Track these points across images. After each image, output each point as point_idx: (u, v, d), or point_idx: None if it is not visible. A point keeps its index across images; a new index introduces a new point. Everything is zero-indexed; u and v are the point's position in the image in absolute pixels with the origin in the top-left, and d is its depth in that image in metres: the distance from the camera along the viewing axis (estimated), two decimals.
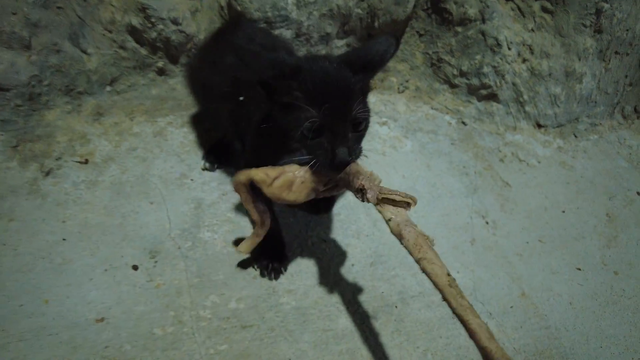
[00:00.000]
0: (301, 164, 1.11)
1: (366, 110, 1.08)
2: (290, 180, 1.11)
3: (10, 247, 1.44)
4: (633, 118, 2.26)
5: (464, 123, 2.03)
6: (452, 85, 2.08)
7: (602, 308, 1.47)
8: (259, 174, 1.14)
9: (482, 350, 0.96)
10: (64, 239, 1.47)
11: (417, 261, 1.02)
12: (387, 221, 1.07)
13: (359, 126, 1.06)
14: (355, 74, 1.06)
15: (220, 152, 1.71)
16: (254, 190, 1.22)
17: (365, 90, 1.10)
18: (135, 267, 1.41)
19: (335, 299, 1.37)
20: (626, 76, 2.12)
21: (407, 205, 1.09)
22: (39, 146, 1.75)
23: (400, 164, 1.81)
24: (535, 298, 1.45)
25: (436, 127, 2.00)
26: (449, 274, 1.01)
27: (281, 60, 1.06)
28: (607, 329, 1.41)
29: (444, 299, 1.00)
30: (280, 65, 1.04)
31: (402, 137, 1.93)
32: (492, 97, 2.03)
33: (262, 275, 1.40)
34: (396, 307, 1.38)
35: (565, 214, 1.75)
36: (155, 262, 1.42)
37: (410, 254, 1.03)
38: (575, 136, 2.10)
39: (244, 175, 1.18)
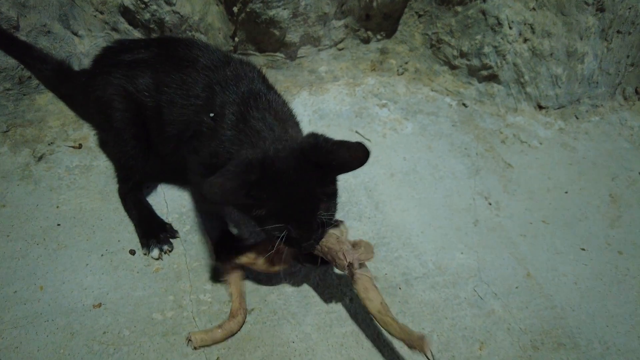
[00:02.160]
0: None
1: (331, 212, 1.11)
2: (269, 257, 1.24)
3: (3, 233, 1.40)
4: (634, 99, 2.23)
5: (464, 105, 2.00)
6: (452, 67, 2.04)
7: (607, 288, 1.45)
8: (242, 259, 1.27)
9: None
10: (58, 225, 1.43)
11: (362, 301, 1.14)
12: (356, 291, 1.15)
13: (324, 226, 1.13)
14: (317, 168, 1.04)
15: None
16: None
17: (329, 191, 1.10)
18: (132, 252, 1.38)
19: (337, 282, 1.34)
20: (628, 56, 2.09)
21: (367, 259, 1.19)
22: (30, 131, 1.71)
23: (401, 146, 1.78)
24: (540, 278, 1.43)
25: (437, 109, 1.97)
26: (382, 303, 1.12)
27: (246, 165, 1.03)
28: (612, 308, 1.40)
29: (376, 320, 1.13)
30: (247, 173, 1.02)
31: (403, 119, 1.89)
32: (493, 78, 1.99)
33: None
34: (400, 288, 1.35)
35: (568, 194, 1.73)
36: (154, 245, 1.39)
37: (359, 297, 1.14)
38: (577, 118, 2.08)
39: (232, 262, 1.29)
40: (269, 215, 1.05)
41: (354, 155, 1.01)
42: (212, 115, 1.22)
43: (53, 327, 1.20)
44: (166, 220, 1.46)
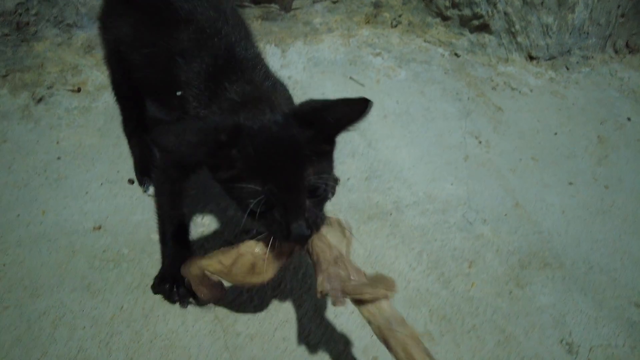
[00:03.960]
0: (257, 239, 0.95)
1: (324, 174, 0.88)
2: (250, 262, 0.92)
3: (4, 165, 1.43)
4: (625, 53, 2.27)
5: (456, 55, 2.04)
6: (445, 18, 2.07)
7: (592, 217, 1.50)
8: (212, 264, 0.95)
9: None
10: (58, 158, 1.46)
11: None
12: (368, 323, 0.87)
13: (316, 191, 0.87)
14: (307, 128, 0.86)
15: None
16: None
17: (324, 151, 0.89)
18: (131, 181, 1.41)
19: (329, 208, 1.38)
20: (618, 6, 2.12)
21: (385, 296, 0.86)
22: (29, 76, 1.74)
23: (394, 91, 1.82)
24: (529, 207, 1.48)
25: (429, 58, 2.00)
26: None
27: (214, 128, 0.86)
28: (597, 234, 1.44)
29: None
30: (214, 135, 0.84)
31: (396, 66, 1.93)
32: (484, 28, 2.02)
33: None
34: (391, 214, 1.39)
35: (557, 135, 1.77)
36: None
37: None
38: (567, 68, 2.11)
39: (195, 266, 0.99)
40: (240, 175, 0.85)
41: (353, 107, 0.86)
42: (178, 93, 1.05)
43: (55, 246, 1.24)
44: None
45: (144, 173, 1.41)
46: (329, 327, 1.12)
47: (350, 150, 1.58)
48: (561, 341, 1.18)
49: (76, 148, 1.49)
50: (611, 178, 1.64)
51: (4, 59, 1.72)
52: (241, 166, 0.85)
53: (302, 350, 1.08)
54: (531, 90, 1.96)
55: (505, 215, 1.44)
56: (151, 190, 1.36)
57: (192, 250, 1.17)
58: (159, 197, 1.18)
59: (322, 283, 0.88)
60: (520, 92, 1.94)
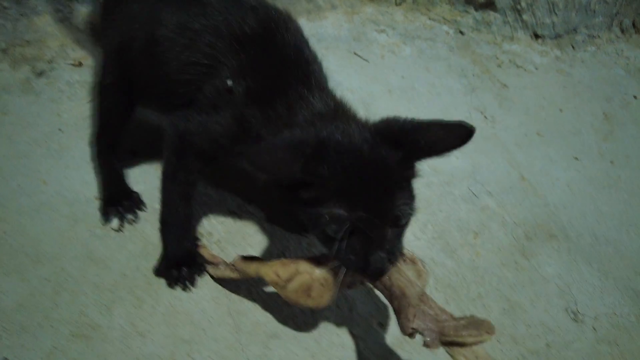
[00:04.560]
0: (320, 260, 0.87)
1: (410, 201, 0.81)
2: (307, 283, 0.86)
3: (5, 137, 1.42)
4: (631, 32, 2.24)
5: (461, 33, 2.01)
6: None
7: (598, 191, 1.48)
8: (269, 274, 0.90)
9: None
10: (60, 130, 1.45)
11: None
12: None
13: (400, 221, 0.80)
14: (395, 148, 0.79)
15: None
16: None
17: (410, 175, 0.84)
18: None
19: None
20: None
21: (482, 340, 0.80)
22: (29, 50, 1.72)
23: (399, 66, 1.80)
24: (534, 181, 1.47)
25: (434, 35, 1.98)
26: None
27: (300, 141, 0.77)
28: (603, 207, 1.43)
29: None
30: (302, 148, 0.75)
31: (401, 43, 1.91)
32: (490, 5, 2.00)
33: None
34: None
35: (563, 112, 1.75)
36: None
37: None
38: (573, 47, 2.09)
39: (252, 268, 0.96)
40: (327, 197, 0.76)
41: (451, 131, 0.79)
42: (229, 82, 0.94)
43: (57, 215, 1.23)
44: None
45: (111, 203, 1.21)
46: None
47: None
48: (566, 310, 1.17)
49: (78, 120, 1.48)
50: (617, 154, 1.63)
51: (4, 32, 1.70)
52: (328, 186, 0.76)
53: (306, 316, 1.07)
54: (536, 68, 1.94)
55: (511, 188, 1.43)
56: (115, 223, 1.18)
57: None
58: (169, 184, 1.08)
59: (414, 320, 0.80)
60: (525, 69, 1.92)
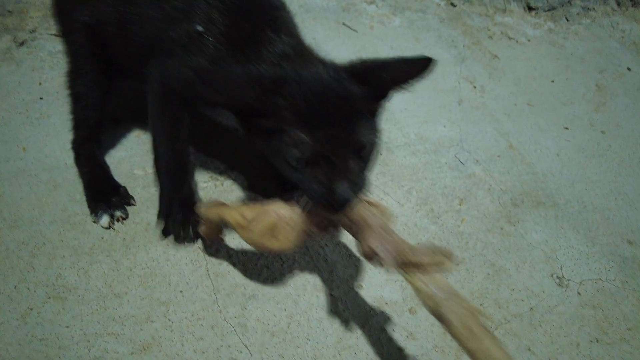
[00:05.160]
0: (288, 202, 0.85)
1: (373, 132, 0.84)
2: (273, 223, 0.83)
3: None
4: (627, 5, 2.20)
5: (452, 4, 1.98)
6: None
7: (588, 159, 1.46)
8: (232, 214, 0.87)
9: None
10: (41, 98, 1.43)
11: (469, 354, 0.72)
12: (419, 295, 0.77)
13: (363, 152, 0.82)
14: (361, 85, 0.82)
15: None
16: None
17: (375, 109, 0.86)
18: (115, 120, 1.38)
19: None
20: None
21: (440, 266, 0.77)
22: (11, 20, 1.69)
23: (389, 37, 1.76)
24: (523, 150, 1.44)
25: (424, 7, 1.94)
26: None
27: (259, 74, 0.81)
28: (592, 176, 1.41)
29: None
30: (260, 81, 0.79)
31: (390, 14, 1.87)
32: None
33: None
34: (381, 154, 1.36)
35: (555, 83, 1.72)
36: (135, 116, 1.39)
37: (462, 346, 0.73)
38: (567, 20, 2.05)
39: (213, 212, 0.93)
40: (286, 123, 0.79)
41: (413, 65, 0.83)
42: (199, 27, 0.96)
43: (36, 180, 1.21)
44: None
45: (97, 198, 1.15)
46: (314, 257, 1.10)
47: None
48: (552, 275, 1.16)
49: (59, 89, 1.45)
50: (608, 124, 1.60)
51: None
52: (287, 115, 0.79)
53: (285, 278, 1.06)
54: (529, 40, 1.90)
55: (499, 156, 1.41)
56: (105, 220, 1.11)
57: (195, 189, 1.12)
58: (155, 125, 1.06)
59: (372, 241, 0.78)
60: (517, 41, 1.88)
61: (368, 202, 0.85)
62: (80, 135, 1.23)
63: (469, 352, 0.72)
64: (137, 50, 1.09)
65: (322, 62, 0.88)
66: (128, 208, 1.15)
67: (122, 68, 1.17)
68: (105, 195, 1.15)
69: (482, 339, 0.71)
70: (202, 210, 0.96)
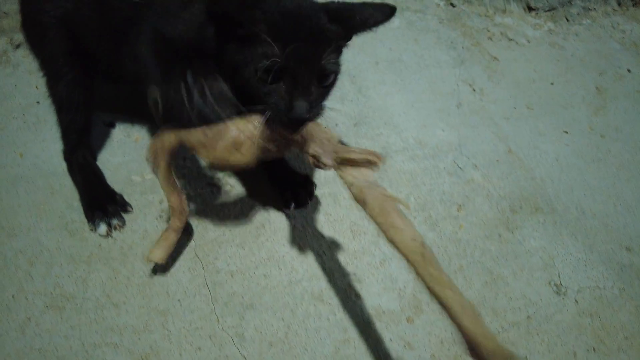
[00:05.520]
0: (249, 117, 0.88)
1: (337, 63, 0.91)
2: (235, 138, 0.85)
3: None
4: (628, 5, 2.18)
5: (452, 5, 1.96)
6: None
7: (587, 164, 1.46)
8: (194, 134, 0.87)
9: (465, 333, 0.71)
10: (37, 102, 1.41)
11: (384, 231, 0.80)
12: (349, 187, 0.86)
13: (326, 79, 0.88)
14: (333, 23, 0.88)
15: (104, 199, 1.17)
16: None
17: (340, 44, 0.92)
18: (111, 124, 1.37)
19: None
20: None
21: (370, 164, 0.85)
22: (7, 22, 1.67)
23: (387, 38, 1.75)
24: (522, 154, 1.44)
25: (424, 7, 1.93)
26: (423, 244, 0.77)
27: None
28: (591, 181, 1.41)
29: (417, 273, 0.77)
30: None
31: None
32: None
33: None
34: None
35: (554, 85, 1.71)
36: (133, 119, 1.38)
37: (376, 223, 0.81)
38: (567, 20, 2.04)
39: (168, 137, 0.90)
40: (260, 33, 0.83)
41: (380, 10, 0.89)
42: None
43: (33, 187, 1.20)
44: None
45: (93, 207, 1.13)
46: (312, 265, 1.10)
47: (339, 97, 1.53)
48: (549, 282, 1.16)
49: None
50: (608, 128, 1.60)
51: None
52: (263, 26, 0.83)
53: (283, 287, 1.06)
54: (529, 41, 1.89)
55: (497, 161, 1.40)
56: (103, 229, 1.10)
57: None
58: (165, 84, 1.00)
59: (315, 148, 0.87)
60: (517, 42, 1.87)
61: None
62: (70, 143, 1.23)
63: (379, 225, 0.81)
64: (115, 33, 1.07)
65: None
66: (125, 215, 1.15)
67: (101, 62, 1.14)
68: (102, 203, 1.14)
69: (392, 214, 0.79)
70: (154, 141, 0.94)
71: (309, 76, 0.85)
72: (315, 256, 1.12)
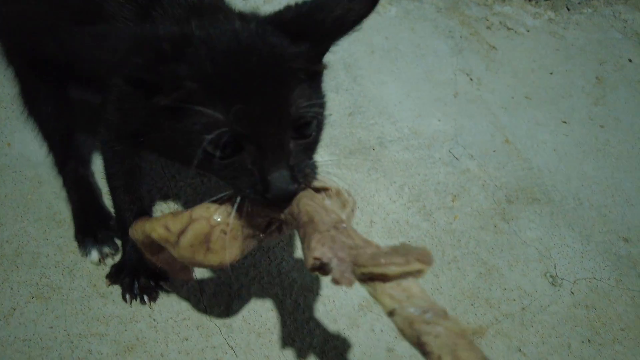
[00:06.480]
0: (220, 201, 0.69)
1: (316, 102, 0.65)
2: (204, 232, 0.67)
3: None
4: None
5: None
6: None
7: (585, 155, 1.43)
8: (156, 229, 0.71)
9: None
10: None
11: None
12: (388, 315, 0.57)
13: (305, 128, 0.65)
14: (296, 40, 0.63)
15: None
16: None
17: (317, 70, 0.68)
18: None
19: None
20: None
21: (416, 272, 0.57)
22: None
23: (383, 27, 1.72)
24: (519, 144, 1.41)
25: None
26: None
27: (153, 34, 0.61)
28: (589, 172, 1.38)
29: None
30: (156, 42, 0.60)
31: (386, 3, 1.82)
32: None
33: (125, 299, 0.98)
34: (373, 149, 1.33)
35: (553, 75, 1.68)
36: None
37: None
38: (568, 9, 2.01)
39: (139, 231, 0.77)
40: (191, 97, 0.61)
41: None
42: None
43: (21, 177, 1.19)
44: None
45: (85, 231, 1.04)
46: (302, 257, 1.08)
47: (334, 86, 1.50)
48: (545, 274, 1.14)
49: None
50: (607, 118, 1.57)
51: None
52: (192, 86, 0.60)
53: (272, 277, 1.04)
54: (528, 31, 1.86)
55: (494, 151, 1.38)
56: (94, 256, 1.02)
57: None
58: (110, 180, 0.94)
59: (318, 247, 0.58)
60: (516, 32, 1.84)
61: (321, 190, 0.68)
62: (57, 157, 1.13)
63: None
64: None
65: (240, 16, 0.70)
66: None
67: (64, 70, 1.00)
68: (92, 229, 1.05)
69: None
70: (130, 233, 0.81)
71: (279, 133, 0.62)
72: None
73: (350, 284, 0.58)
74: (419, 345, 0.54)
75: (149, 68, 0.60)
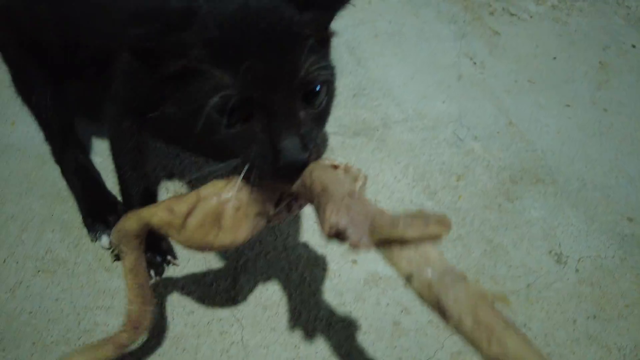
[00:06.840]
0: (226, 176, 0.66)
1: (326, 67, 0.65)
2: (214, 210, 0.64)
3: None
4: None
5: None
6: None
7: (588, 137, 1.43)
8: (158, 213, 0.67)
9: None
10: None
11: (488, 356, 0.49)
12: (407, 280, 0.56)
13: (316, 96, 0.63)
14: (302, 9, 0.63)
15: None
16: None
17: (323, 37, 0.68)
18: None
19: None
20: None
21: (435, 237, 0.55)
22: None
23: (387, 11, 1.72)
24: (523, 127, 1.41)
25: None
26: None
27: (160, 7, 0.60)
28: (592, 154, 1.38)
29: None
30: (162, 14, 0.60)
31: None
32: None
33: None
34: (378, 130, 1.33)
35: (557, 60, 1.68)
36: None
37: (469, 341, 0.51)
38: None
39: (133, 219, 0.72)
40: (197, 63, 0.60)
41: None
42: None
43: (24, 156, 1.19)
44: None
45: (93, 215, 1.03)
46: (307, 231, 1.08)
47: (338, 69, 1.49)
48: (550, 252, 1.14)
49: None
50: (611, 102, 1.57)
51: None
52: (198, 53, 0.59)
53: (278, 252, 1.04)
54: (531, 17, 1.86)
55: (498, 133, 1.38)
56: (105, 240, 1.00)
57: None
58: (117, 157, 0.94)
59: (334, 215, 0.56)
60: (519, 17, 1.84)
61: (337, 168, 0.66)
62: (55, 144, 1.11)
63: (476, 344, 0.50)
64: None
65: None
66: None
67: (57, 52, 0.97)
68: (102, 214, 1.03)
69: (497, 328, 0.49)
70: (116, 228, 0.76)
71: (289, 99, 0.60)
72: (312, 222, 1.10)
73: (368, 248, 0.57)
74: (439, 308, 0.53)
75: (155, 37, 0.59)
